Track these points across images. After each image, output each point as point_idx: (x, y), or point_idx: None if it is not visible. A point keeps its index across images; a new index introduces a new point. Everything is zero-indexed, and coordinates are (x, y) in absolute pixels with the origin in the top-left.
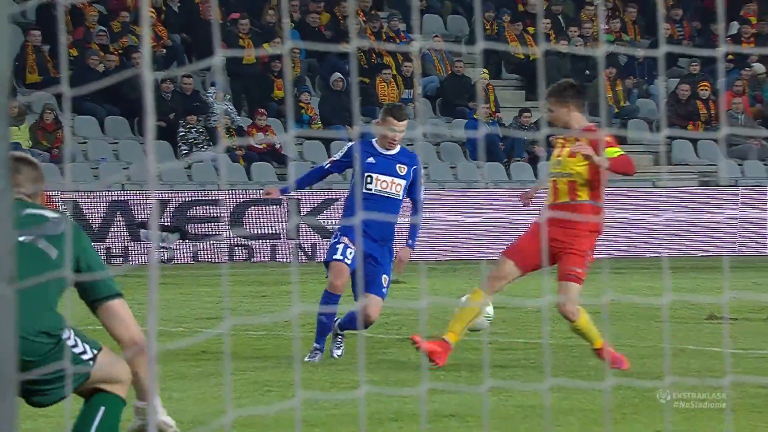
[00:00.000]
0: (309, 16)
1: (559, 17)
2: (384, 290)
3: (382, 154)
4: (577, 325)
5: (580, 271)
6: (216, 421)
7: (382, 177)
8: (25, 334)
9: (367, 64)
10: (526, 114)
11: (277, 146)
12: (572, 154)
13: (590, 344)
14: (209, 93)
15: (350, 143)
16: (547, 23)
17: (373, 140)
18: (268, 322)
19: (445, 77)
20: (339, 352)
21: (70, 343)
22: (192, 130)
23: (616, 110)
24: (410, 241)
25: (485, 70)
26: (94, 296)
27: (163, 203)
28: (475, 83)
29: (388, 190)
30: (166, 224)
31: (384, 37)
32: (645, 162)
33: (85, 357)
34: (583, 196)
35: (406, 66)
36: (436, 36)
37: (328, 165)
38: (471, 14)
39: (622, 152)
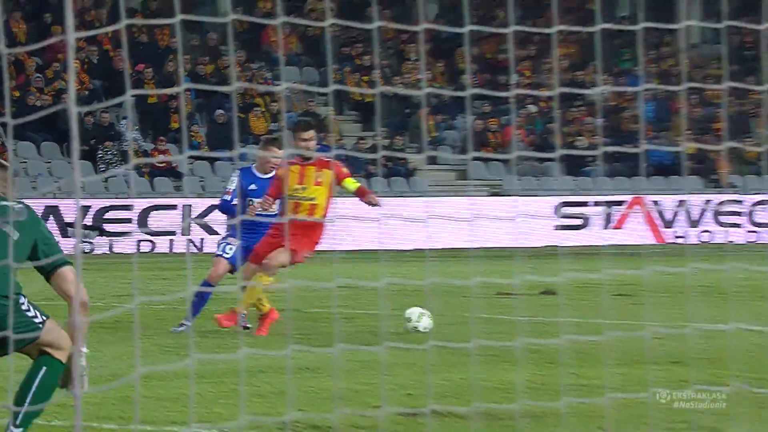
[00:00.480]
0: (198, 67)
1: (386, 69)
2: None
3: (261, 178)
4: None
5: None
6: (129, 375)
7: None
8: None
9: (242, 103)
10: (362, 141)
11: (174, 165)
12: (318, 183)
13: (259, 310)
14: (122, 124)
15: (234, 174)
16: (379, 73)
17: (252, 167)
18: (168, 299)
19: (301, 112)
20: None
21: (24, 307)
22: (108, 153)
23: (430, 138)
24: None
25: (332, 109)
26: (49, 267)
27: (86, 208)
28: (324, 117)
29: (268, 210)
30: (88, 224)
31: (255, 82)
32: (450, 177)
33: (36, 321)
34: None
35: (272, 104)
36: (295, 82)
37: (228, 197)
38: (321, 66)
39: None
